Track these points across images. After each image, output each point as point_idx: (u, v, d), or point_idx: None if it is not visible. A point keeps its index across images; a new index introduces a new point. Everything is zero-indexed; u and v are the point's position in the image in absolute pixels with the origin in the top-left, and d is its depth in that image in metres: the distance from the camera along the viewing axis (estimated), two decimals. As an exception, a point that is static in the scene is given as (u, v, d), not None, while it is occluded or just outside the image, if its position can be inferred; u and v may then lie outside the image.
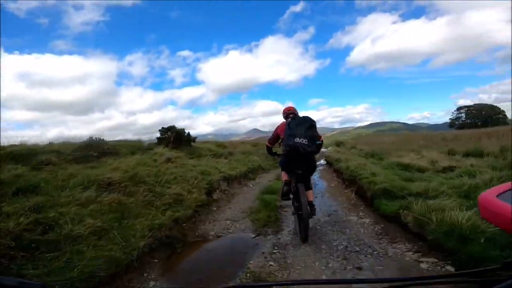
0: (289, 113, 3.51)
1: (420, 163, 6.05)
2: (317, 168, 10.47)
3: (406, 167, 6.22)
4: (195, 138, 10.93)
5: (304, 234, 3.01)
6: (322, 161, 13.01)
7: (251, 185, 7.49)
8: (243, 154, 11.61)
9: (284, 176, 3.43)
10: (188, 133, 10.75)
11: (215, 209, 5.07)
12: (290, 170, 3.31)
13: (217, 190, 5.74)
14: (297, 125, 3.05)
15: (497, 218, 0.51)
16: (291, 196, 3.37)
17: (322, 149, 9.42)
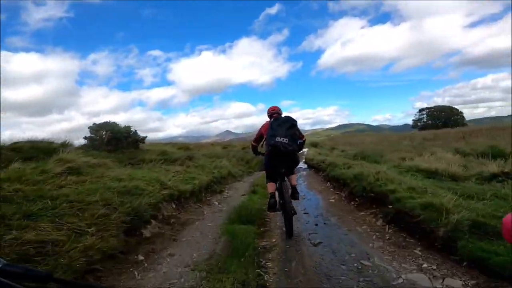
0: (273, 113, 3.53)
1: (449, 168, 4.36)
2: (302, 174, 8.49)
3: (432, 173, 4.48)
4: (143, 138, 8.37)
5: (289, 229, 3.12)
6: (303, 164, 11.20)
7: (215, 203, 5.23)
8: (210, 158, 9.30)
9: (270, 188, 3.32)
10: (135, 131, 8.16)
11: (142, 258, 2.75)
12: (274, 171, 3.32)
13: (153, 221, 3.39)
14: (278, 125, 3.10)
15: None
16: (278, 207, 3.22)
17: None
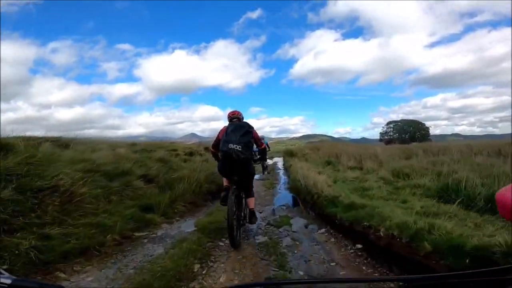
0: (233, 118, 3.35)
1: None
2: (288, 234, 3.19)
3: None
4: None
5: (238, 239, 2.98)
6: (286, 192, 6.13)
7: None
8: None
9: (225, 182, 3.38)
10: None
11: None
12: (227, 177, 3.28)
13: None
14: (232, 131, 3.00)
15: None
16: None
17: (270, 161, 11.19)
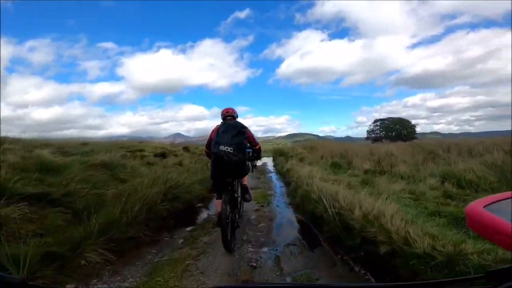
0: (227, 116, 3.18)
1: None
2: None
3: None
4: None
5: (233, 243, 2.84)
6: (288, 211, 4.16)
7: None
8: None
9: (218, 207, 2.90)
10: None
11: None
12: (220, 180, 2.94)
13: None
14: (224, 132, 2.82)
15: (485, 230, 0.51)
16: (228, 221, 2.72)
17: (258, 162, 9.24)
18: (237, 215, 3.10)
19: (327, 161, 8.14)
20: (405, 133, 43.40)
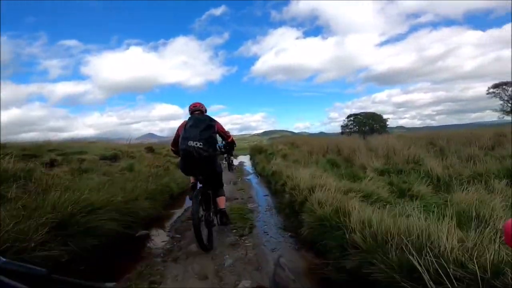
0: (194, 110, 3.01)
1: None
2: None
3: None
4: None
5: (209, 242, 2.67)
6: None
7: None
8: None
9: (192, 179, 3.13)
10: None
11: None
12: (192, 173, 2.97)
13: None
14: (191, 126, 2.65)
15: None
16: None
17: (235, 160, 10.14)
18: (212, 213, 2.89)
19: (318, 158, 6.69)
20: (378, 127, 44.49)
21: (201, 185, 2.81)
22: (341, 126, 51.89)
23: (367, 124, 46.77)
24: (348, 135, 43.27)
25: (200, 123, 2.64)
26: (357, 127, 48.12)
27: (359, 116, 50.06)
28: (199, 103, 3.05)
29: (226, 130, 2.98)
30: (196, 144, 2.53)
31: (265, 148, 13.66)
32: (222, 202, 2.94)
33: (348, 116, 51.40)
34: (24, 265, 0.48)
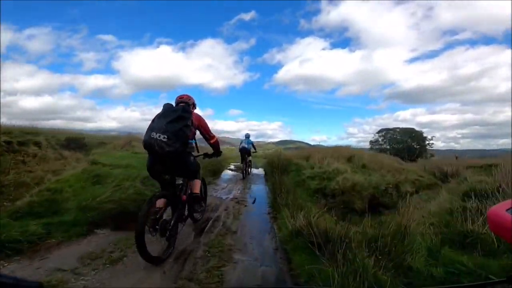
0: (179, 103, 2.75)
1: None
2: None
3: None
4: None
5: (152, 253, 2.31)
6: None
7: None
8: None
9: (158, 203, 2.57)
10: None
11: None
12: (157, 178, 2.54)
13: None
14: (159, 117, 2.34)
15: (507, 232, 0.49)
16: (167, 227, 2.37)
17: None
18: (177, 222, 2.51)
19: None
20: (417, 147, 38.03)
21: (162, 190, 2.49)
22: (370, 141, 46.15)
23: (402, 142, 40.49)
24: (377, 151, 37.62)
25: (171, 114, 2.32)
26: (388, 145, 41.98)
27: (391, 132, 43.90)
28: (187, 95, 2.84)
29: (209, 128, 2.78)
30: (159, 136, 2.19)
31: (294, 161, 8.96)
32: (196, 186, 2.73)
33: (379, 131, 45.32)
34: (15, 277, 0.48)
